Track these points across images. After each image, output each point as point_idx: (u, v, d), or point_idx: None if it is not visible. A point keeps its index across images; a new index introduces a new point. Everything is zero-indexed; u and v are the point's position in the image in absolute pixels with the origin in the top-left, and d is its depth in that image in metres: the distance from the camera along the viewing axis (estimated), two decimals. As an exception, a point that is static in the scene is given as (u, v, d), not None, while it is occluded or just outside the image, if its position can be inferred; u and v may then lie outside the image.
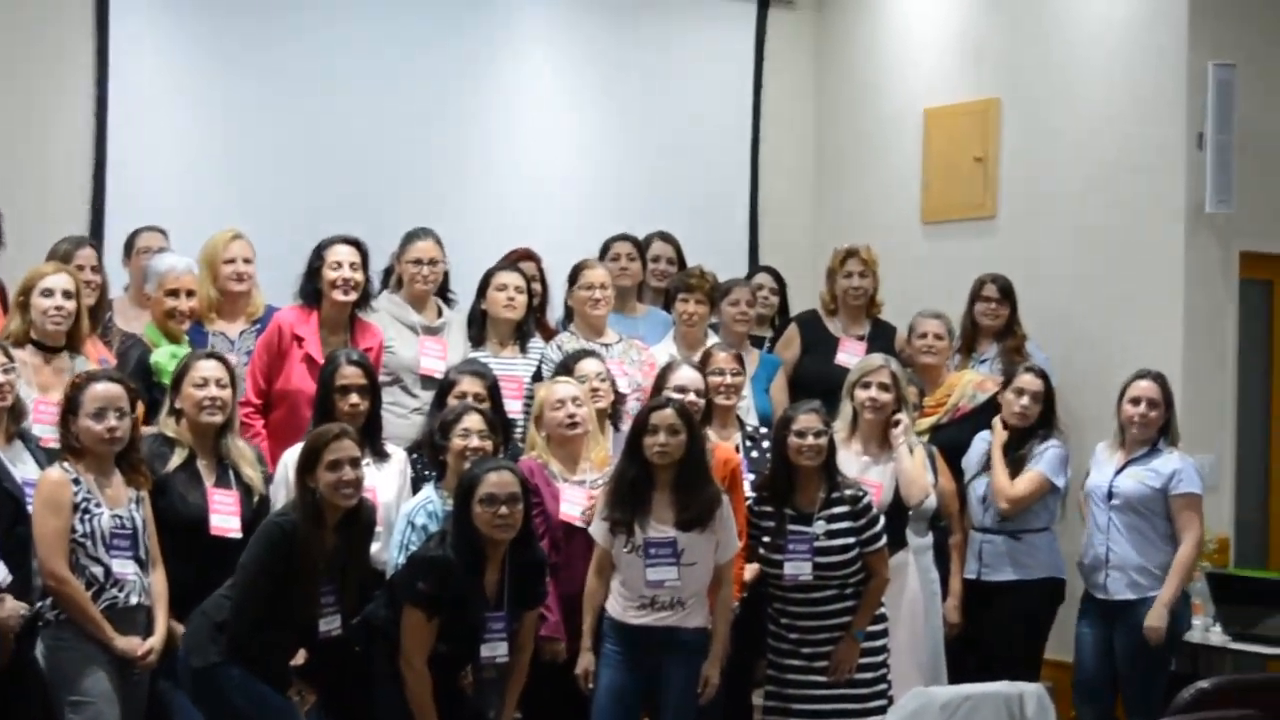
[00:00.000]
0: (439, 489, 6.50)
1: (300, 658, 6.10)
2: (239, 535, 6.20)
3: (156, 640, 6.02)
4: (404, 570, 6.14)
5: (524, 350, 7.67)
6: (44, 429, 6.28)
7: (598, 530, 6.48)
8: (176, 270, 7.08)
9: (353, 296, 7.29)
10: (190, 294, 7.09)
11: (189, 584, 6.08)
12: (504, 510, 6.00)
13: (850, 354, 8.20)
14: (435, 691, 6.02)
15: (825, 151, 10.59)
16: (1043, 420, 7.58)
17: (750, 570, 6.87)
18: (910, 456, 7.03)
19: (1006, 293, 8.31)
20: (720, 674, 6.50)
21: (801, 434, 6.63)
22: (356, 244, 7.34)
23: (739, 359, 7.37)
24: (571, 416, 6.70)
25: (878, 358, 7.33)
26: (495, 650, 6.15)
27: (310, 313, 7.30)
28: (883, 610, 6.77)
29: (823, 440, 6.65)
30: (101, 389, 5.97)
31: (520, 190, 9.63)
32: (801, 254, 10.15)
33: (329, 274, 7.25)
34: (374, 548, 6.42)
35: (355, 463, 5.97)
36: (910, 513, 7.16)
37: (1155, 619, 7.15)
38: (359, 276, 7.29)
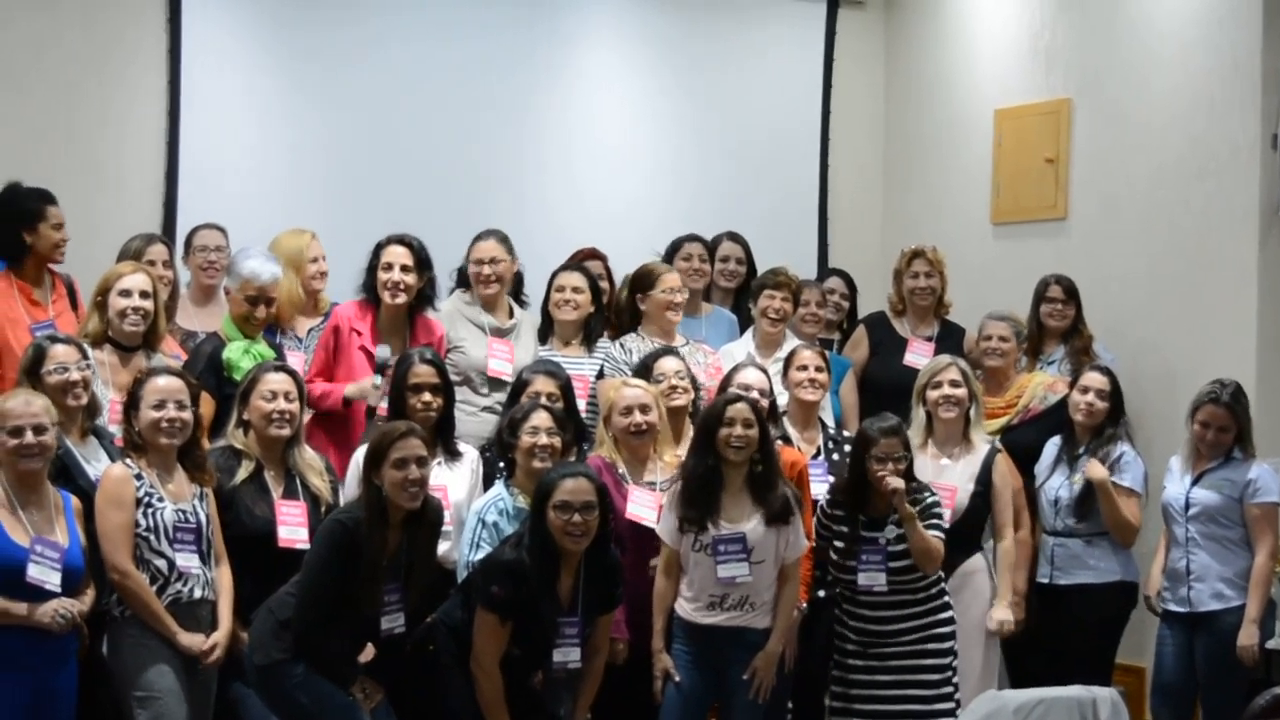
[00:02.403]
0: (509, 486, 6.51)
1: (368, 654, 6.11)
2: (307, 546, 6.17)
3: (221, 635, 6.05)
4: (478, 573, 6.13)
5: (590, 349, 7.70)
6: (119, 429, 6.30)
7: (666, 529, 6.48)
8: (261, 278, 7.09)
9: (401, 299, 7.30)
10: (270, 301, 7.12)
11: (258, 596, 6.07)
12: (578, 518, 5.99)
13: (918, 355, 8.21)
14: (507, 693, 6.03)
15: (895, 152, 10.55)
16: (1110, 419, 7.51)
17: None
18: (918, 527, 6.75)
19: (1071, 293, 8.25)
20: (777, 671, 6.49)
21: (882, 460, 6.62)
22: (410, 244, 7.36)
23: (824, 356, 7.39)
24: (638, 425, 6.70)
25: (944, 358, 7.38)
26: (568, 655, 6.14)
27: (369, 308, 7.35)
28: (950, 614, 6.76)
29: (903, 465, 6.64)
30: (162, 382, 6.03)
31: (586, 191, 9.67)
32: (871, 256, 10.11)
33: (381, 275, 7.30)
34: (444, 546, 6.43)
35: (421, 462, 5.95)
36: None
37: (1247, 638, 7.03)
38: (409, 279, 7.30)
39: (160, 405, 5.97)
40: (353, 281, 7.52)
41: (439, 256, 7.58)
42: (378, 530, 5.88)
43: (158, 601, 5.87)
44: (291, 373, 6.52)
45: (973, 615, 7.02)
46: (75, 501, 5.86)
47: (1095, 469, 7.39)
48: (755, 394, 6.79)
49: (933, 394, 7.20)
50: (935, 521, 6.67)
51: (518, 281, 7.94)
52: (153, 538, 5.89)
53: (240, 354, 6.87)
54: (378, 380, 7.05)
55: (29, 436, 5.63)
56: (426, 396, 6.66)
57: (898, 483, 6.57)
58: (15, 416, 5.64)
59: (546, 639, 6.08)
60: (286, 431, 6.37)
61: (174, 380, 6.06)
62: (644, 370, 7.07)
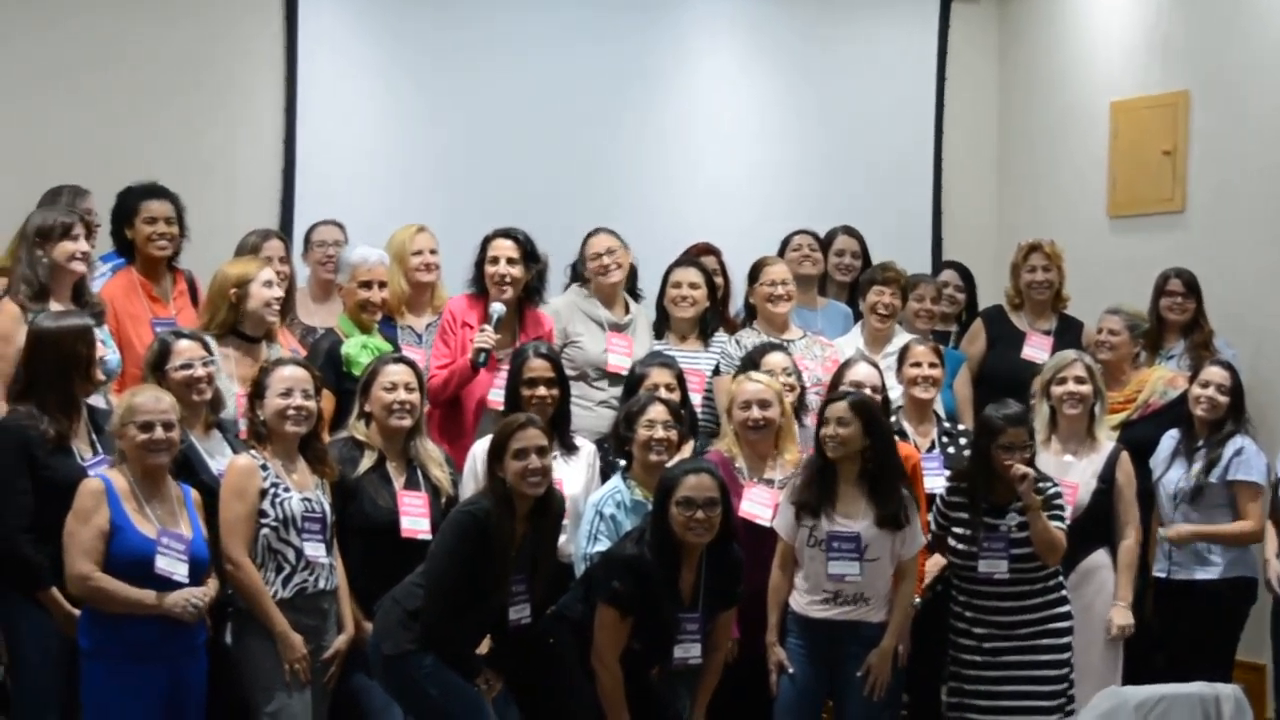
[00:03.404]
0: (626, 479, 6.52)
1: (485, 646, 6.15)
2: (429, 537, 6.21)
3: (343, 641, 6.13)
4: (600, 568, 6.16)
5: (706, 344, 7.72)
6: (245, 423, 6.34)
7: (782, 523, 6.48)
8: (369, 262, 7.17)
9: (508, 293, 7.33)
10: (382, 285, 7.18)
11: (380, 586, 6.12)
12: (701, 514, 5.99)
13: (1036, 349, 8.17)
14: (626, 688, 6.05)
15: (1010, 146, 10.52)
16: (1231, 415, 7.42)
17: (933, 564, 6.88)
18: (1043, 517, 6.71)
19: (1191, 287, 8.16)
20: (892, 668, 6.46)
21: (1009, 449, 6.58)
22: (516, 238, 7.39)
23: (937, 352, 7.35)
24: (756, 420, 6.69)
25: (1070, 353, 7.31)
26: (689, 651, 6.16)
27: (479, 301, 7.39)
28: (1068, 609, 6.72)
29: (1028, 454, 6.61)
30: (288, 371, 6.09)
31: (701, 188, 9.75)
32: (986, 250, 10.08)
33: (488, 269, 7.34)
34: (560, 539, 6.45)
35: (542, 451, 5.99)
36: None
37: None
38: (516, 272, 7.34)
39: (287, 393, 6.03)
40: (462, 277, 7.57)
41: (554, 252, 7.64)
42: (505, 521, 5.92)
43: (267, 595, 5.91)
44: (411, 364, 6.57)
45: (1095, 612, 6.98)
46: (195, 494, 5.92)
47: (1175, 532, 7.30)
48: (867, 390, 6.78)
49: (1057, 390, 7.14)
50: (1057, 513, 6.63)
51: (632, 275, 7.97)
52: (281, 528, 5.94)
53: (358, 349, 6.93)
54: (488, 327, 7.12)
55: (159, 432, 5.68)
56: (541, 390, 6.71)
57: (1027, 470, 6.54)
58: (146, 412, 5.69)
59: (667, 634, 6.10)
60: (407, 422, 6.42)
61: (299, 370, 6.13)
62: (750, 365, 7.07)
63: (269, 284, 6.77)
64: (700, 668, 6.26)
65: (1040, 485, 6.62)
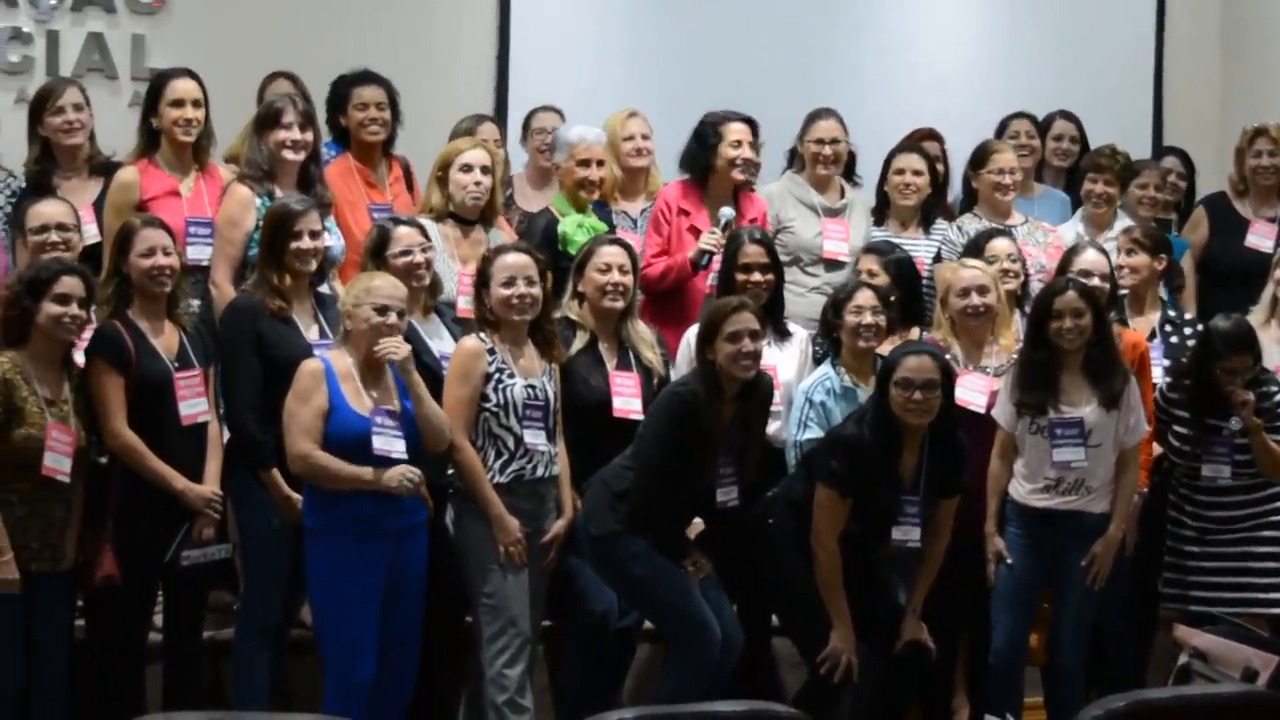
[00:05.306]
0: (836, 366, 6.49)
1: (695, 528, 6.17)
2: (640, 417, 6.23)
3: (561, 526, 6.17)
4: (820, 448, 6.14)
5: (927, 231, 7.64)
6: (466, 300, 6.44)
7: (1002, 412, 6.42)
8: (588, 140, 7.18)
9: (748, 175, 7.32)
10: (600, 164, 7.19)
11: (590, 466, 6.16)
12: (919, 395, 5.93)
13: (1260, 236, 7.99)
14: (845, 571, 6.04)
15: (1234, 26, 10.27)
16: None
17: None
18: (1264, 438, 6.57)
19: None
20: (1116, 558, 6.38)
21: (1231, 372, 6.44)
22: (751, 123, 7.35)
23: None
24: (975, 307, 6.60)
25: (1302, 241, 7.13)
26: (908, 534, 6.11)
27: (695, 187, 7.35)
28: (1288, 501, 6.61)
29: (1251, 375, 6.47)
30: (511, 259, 6.09)
31: (918, 72, 9.65)
32: (1209, 135, 9.87)
33: (728, 151, 7.28)
34: (773, 426, 6.45)
35: (755, 335, 5.98)
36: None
37: None
38: (756, 156, 7.33)
39: (510, 282, 6.04)
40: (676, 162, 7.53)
41: (771, 136, 7.60)
42: (713, 402, 5.93)
43: (485, 478, 5.96)
44: (626, 246, 6.56)
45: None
46: None
47: None
48: (1095, 279, 6.64)
49: (1278, 273, 7.00)
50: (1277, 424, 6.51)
51: (850, 160, 7.86)
52: (501, 414, 5.98)
53: (574, 227, 6.96)
54: (717, 231, 7.06)
55: (393, 318, 5.75)
56: (756, 276, 6.67)
57: (1247, 396, 6.41)
58: (384, 296, 5.75)
59: (886, 517, 6.08)
60: (620, 304, 6.42)
61: (522, 256, 6.12)
62: (975, 249, 7.00)
63: (468, 168, 6.74)
64: (920, 556, 6.22)
65: (1264, 390, 6.50)
